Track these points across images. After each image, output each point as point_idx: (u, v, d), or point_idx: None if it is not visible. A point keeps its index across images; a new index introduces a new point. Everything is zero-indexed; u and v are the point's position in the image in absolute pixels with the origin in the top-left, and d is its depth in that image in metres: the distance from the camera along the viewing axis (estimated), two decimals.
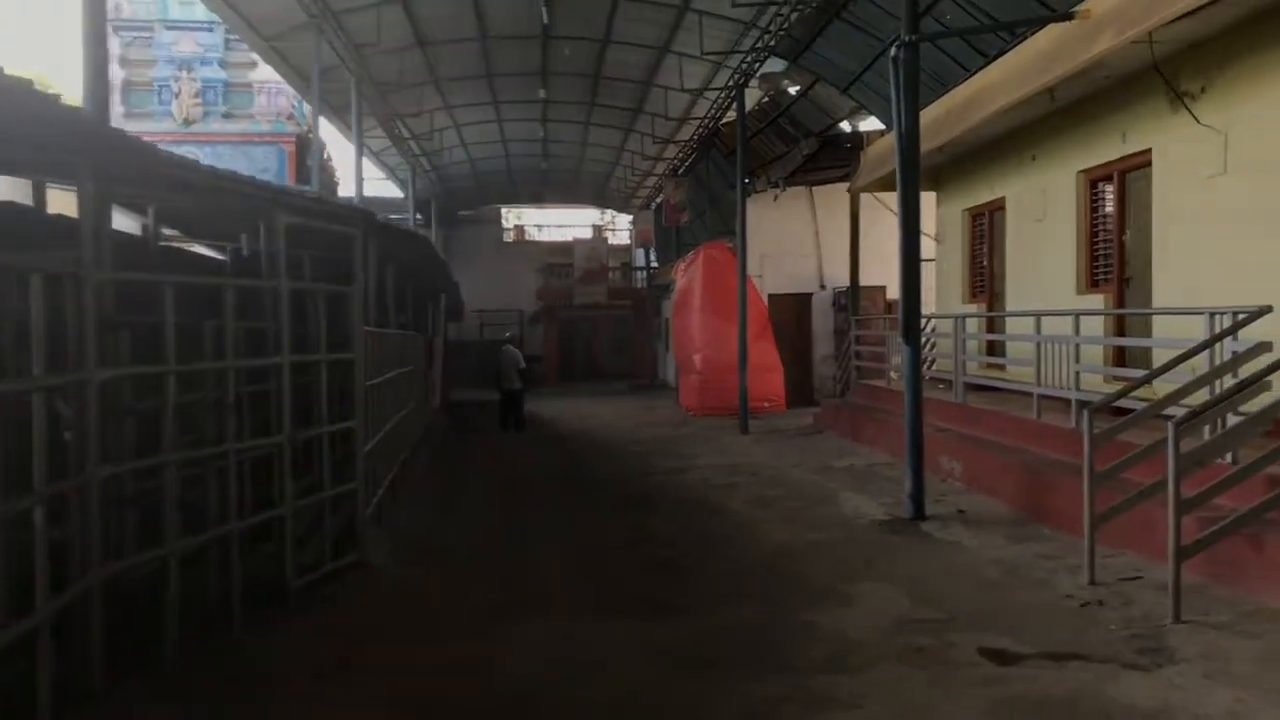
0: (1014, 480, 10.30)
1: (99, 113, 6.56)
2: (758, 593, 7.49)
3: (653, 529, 10.16)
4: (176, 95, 28.81)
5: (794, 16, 16.08)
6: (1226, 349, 7.70)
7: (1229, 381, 7.35)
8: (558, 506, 11.78)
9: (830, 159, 21.83)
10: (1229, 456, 7.32)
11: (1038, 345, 10.96)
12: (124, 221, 9.83)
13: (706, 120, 24.15)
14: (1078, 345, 10.20)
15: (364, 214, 8.10)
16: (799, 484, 12.52)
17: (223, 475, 6.11)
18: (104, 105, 6.62)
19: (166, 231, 11.66)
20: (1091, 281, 12.25)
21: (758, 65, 18.47)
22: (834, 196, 22.32)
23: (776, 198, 23.60)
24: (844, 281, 21.54)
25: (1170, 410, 7.29)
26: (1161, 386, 8.30)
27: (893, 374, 16.75)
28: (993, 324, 14.61)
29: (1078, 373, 10.19)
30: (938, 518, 9.90)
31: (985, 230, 15.48)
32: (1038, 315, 11.13)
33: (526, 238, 44.74)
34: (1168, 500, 6.18)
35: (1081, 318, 10.48)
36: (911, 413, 10.08)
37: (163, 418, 5.55)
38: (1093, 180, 12.22)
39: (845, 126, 21.72)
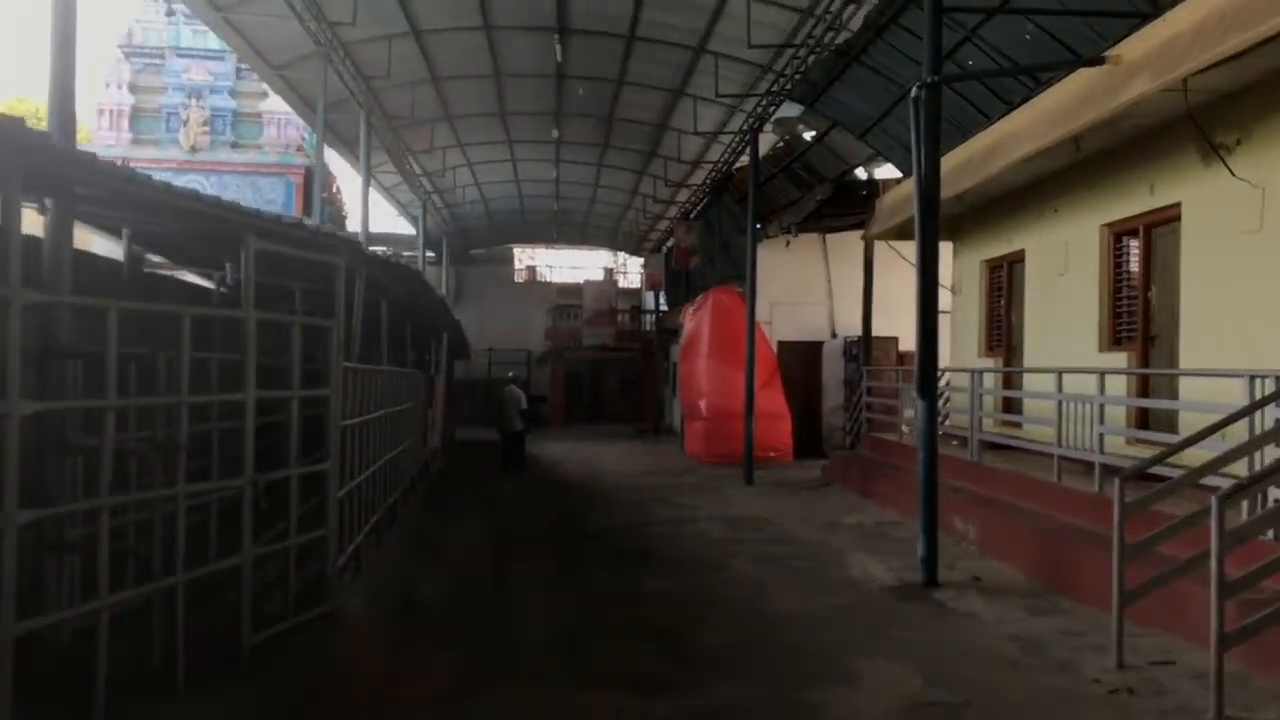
0: (1032, 547, 9.71)
1: (65, 128, 6.11)
2: (756, 665, 6.90)
3: (648, 588, 9.57)
4: (185, 123, 28.59)
5: (811, 60, 15.72)
6: (1269, 416, 7.15)
7: (1272, 450, 6.80)
8: (549, 557, 11.20)
9: (844, 206, 21.40)
10: (1270, 533, 6.77)
11: (1059, 404, 10.41)
12: (109, 247, 9.44)
13: (719, 164, 23.81)
14: (1102, 405, 9.65)
15: (347, 242, 7.63)
16: (805, 542, 11.93)
17: (171, 521, 5.58)
18: (69, 121, 6.16)
19: (154, 259, 11.31)
20: (1114, 339, 11.72)
21: (773, 109, 18.12)
22: (847, 244, 21.86)
23: (789, 244, 23.15)
24: (856, 331, 21.05)
25: (1209, 480, 6.75)
26: (1191, 453, 7.72)
27: (904, 428, 16.20)
28: (1010, 380, 14.08)
29: (1101, 435, 9.63)
30: (951, 585, 9.31)
31: (1003, 283, 14.98)
32: (1059, 372, 10.59)
33: (538, 278, 44.41)
34: (1210, 580, 5.59)
35: (1106, 376, 9.90)
36: (926, 472, 9.51)
37: (102, 457, 5.03)
38: (1117, 234, 11.72)
39: (861, 173, 21.31)
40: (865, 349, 18.24)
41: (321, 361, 7.83)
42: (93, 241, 11.12)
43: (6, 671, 4.25)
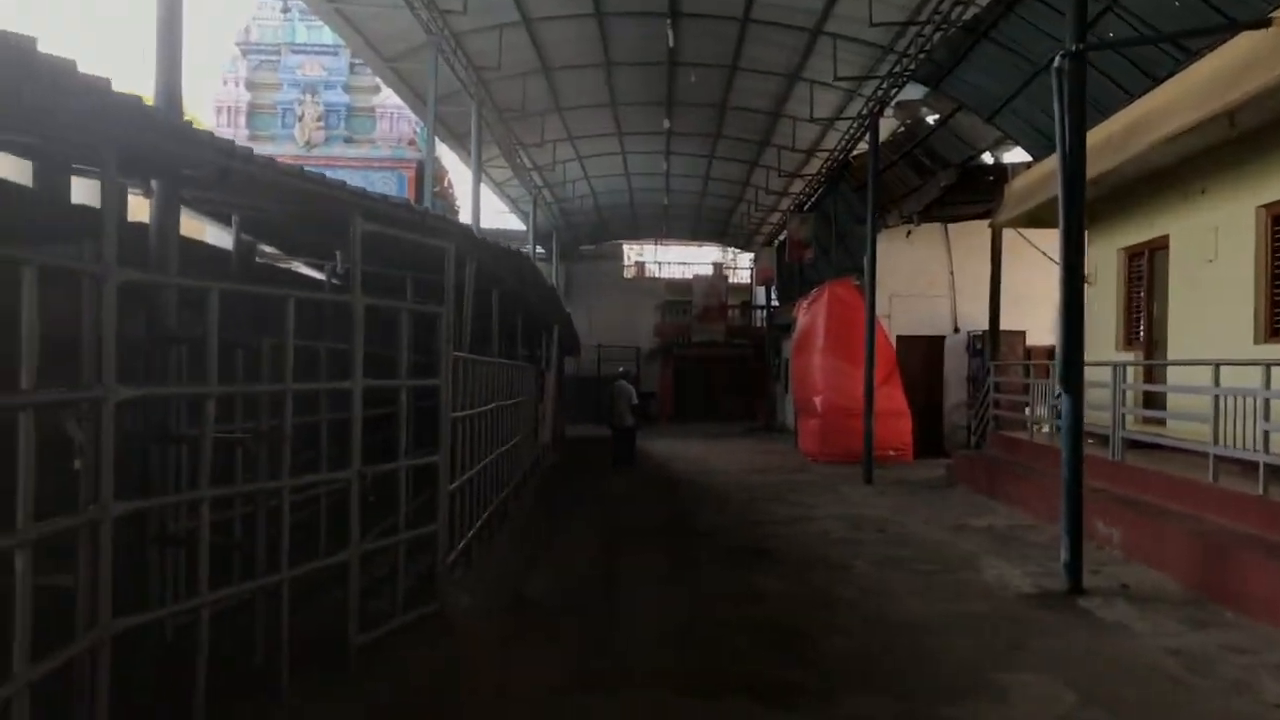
0: (1186, 553, 8.95)
1: (171, 108, 5.94)
2: (888, 677, 6.38)
3: (765, 588, 9.10)
4: (300, 119, 29.04)
5: (936, 38, 15.00)
6: None
7: None
8: (662, 555, 10.82)
9: (968, 193, 20.51)
10: None
11: (1215, 399, 9.60)
12: (221, 236, 9.37)
13: (836, 152, 23.12)
14: (1268, 400, 8.83)
15: (456, 225, 7.35)
16: (932, 544, 11.31)
17: (277, 515, 5.33)
18: (175, 100, 5.99)
19: (266, 249, 11.26)
20: (1272, 330, 10.80)
21: (894, 92, 17.39)
22: (970, 233, 21.01)
23: (909, 234, 22.35)
24: (979, 324, 20.22)
25: None
26: None
27: (1035, 426, 15.40)
28: (1151, 374, 13.19)
29: (1266, 432, 8.82)
30: (1097, 592, 8.63)
31: (1144, 271, 14.05)
32: (1217, 364, 9.77)
33: (646, 274, 44.22)
34: None
35: (1271, 369, 9.06)
36: (1071, 471, 8.83)
37: (203, 446, 4.80)
38: (1276, 215, 10.81)
39: (987, 158, 20.40)
40: (993, 343, 17.44)
41: (432, 353, 7.56)
42: (205, 232, 11.14)
43: (104, 669, 4.02)
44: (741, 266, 44.43)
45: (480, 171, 20.28)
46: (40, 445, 3.53)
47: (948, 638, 7.35)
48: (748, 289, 42.35)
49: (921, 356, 22.83)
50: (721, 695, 5.93)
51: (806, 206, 28.00)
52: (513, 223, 34.76)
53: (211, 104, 29.15)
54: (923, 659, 6.80)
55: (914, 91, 17.82)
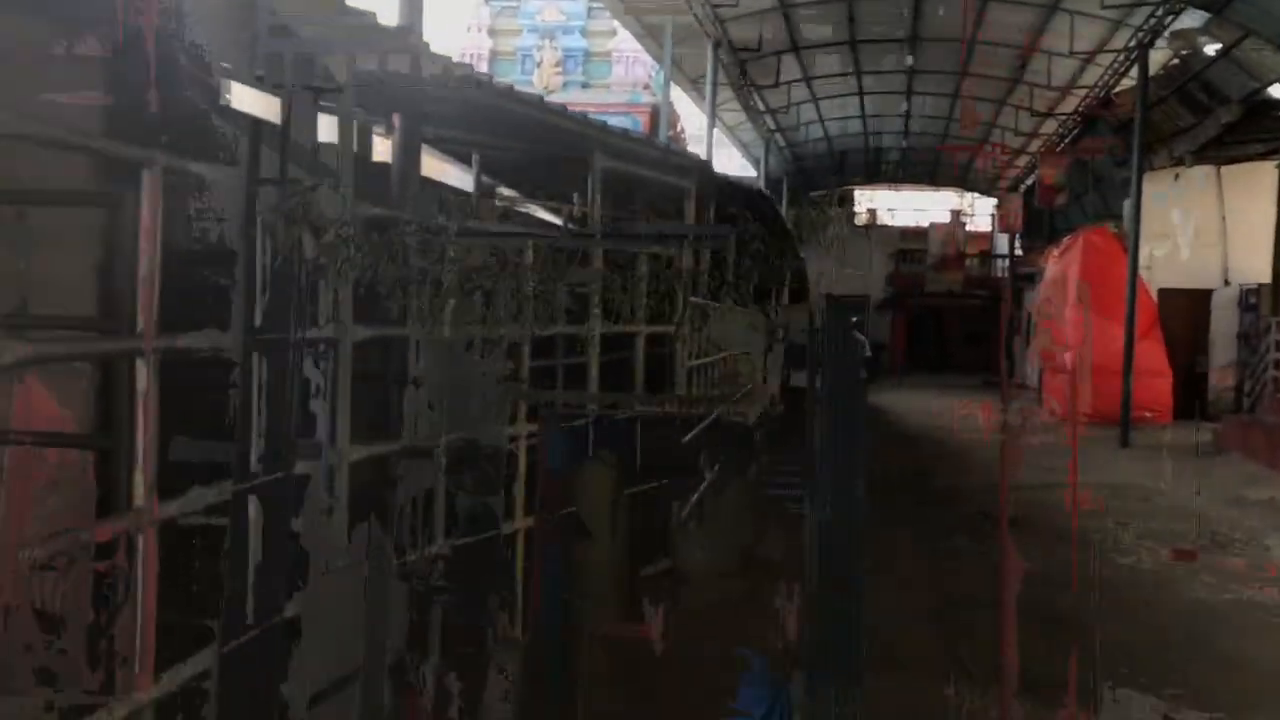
0: None
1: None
2: (1183, 675, 5.65)
3: (1021, 561, 8.37)
4: (539, 64, 29.44)
5: None
6: None
7: None
8: (899, 519, 10.20)
9: (1248, 131, 18.42)
10: None
11: None
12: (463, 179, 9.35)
13: (1096, 89, 21.32)
14: None
15: (697, 161, 6.97)
16: (1206, 519, 10.23)
17: (512, 460, 5.15)
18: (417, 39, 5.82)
19: (505, 192, 11.25)
20: None
21: (1169, 19, 15.69)
22: (1245, 177, 18.93)
23: (1178, 177, 20.34)
24: (1253, 277, 18.26)
25: None
26: None
27: None
28: None
29: None
30: None
31: None
32: None
33: (878, 221, 42.77)
34: None
35: None
36: None
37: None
38: None
39: (1275, 92, 18.24)
40: (1275, 297, 15.71)
41: (667, 298, 7.26)
42: (448, 174, 11.23)
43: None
44: (979, 213, 42.30)
45: (714, 114, 19.87)
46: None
47: (1250, 633, 6.52)
48: (986, 237, 40.33)
49: (1184, 311, 20.82)
50: (988, 687, 5.39)
51: (1059, 148, 26.16)
52: (742, 171, 34.27)
53: (456, 52, 29.92)
54: (1224, 659, 6.05)
55: (1192, 19, 16.05)
